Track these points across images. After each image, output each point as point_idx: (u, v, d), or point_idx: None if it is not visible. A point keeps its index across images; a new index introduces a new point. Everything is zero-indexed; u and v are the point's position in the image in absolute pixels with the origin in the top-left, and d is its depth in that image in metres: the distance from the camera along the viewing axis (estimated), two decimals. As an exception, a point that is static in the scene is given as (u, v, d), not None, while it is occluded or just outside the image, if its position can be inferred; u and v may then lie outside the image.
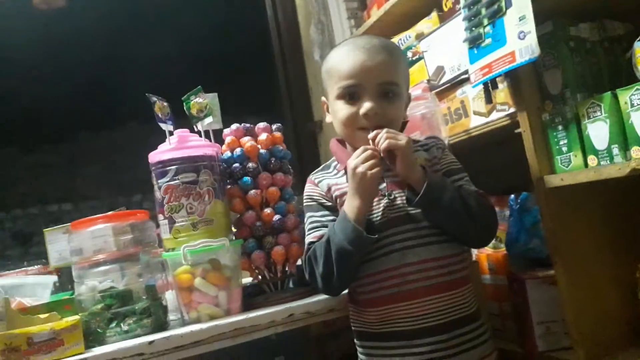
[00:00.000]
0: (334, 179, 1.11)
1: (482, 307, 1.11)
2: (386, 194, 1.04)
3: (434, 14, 1.50)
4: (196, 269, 1.11)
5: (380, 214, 1.03)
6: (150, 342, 0.99)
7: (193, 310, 1.11)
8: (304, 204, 1.14)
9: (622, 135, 1.00)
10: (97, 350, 0.99)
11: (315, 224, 1.09)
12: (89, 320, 1.07)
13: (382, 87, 1.04)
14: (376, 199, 1.03)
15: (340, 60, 1.06)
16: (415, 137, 1.19)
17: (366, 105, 1.02)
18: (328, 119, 1.14)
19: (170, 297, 1.24)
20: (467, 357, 1.00)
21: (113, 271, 1.19)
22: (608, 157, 1.02)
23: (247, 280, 1.33)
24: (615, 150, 1.01)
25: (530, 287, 1.21)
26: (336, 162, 1.14)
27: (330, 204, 1.09)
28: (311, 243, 1.07)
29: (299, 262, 1.27)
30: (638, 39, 1.00)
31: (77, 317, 1.03)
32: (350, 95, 1.04)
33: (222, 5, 2.26)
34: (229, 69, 2.15)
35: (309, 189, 1.14)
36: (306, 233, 1.11)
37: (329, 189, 1.09)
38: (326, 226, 1.06)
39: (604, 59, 1.15)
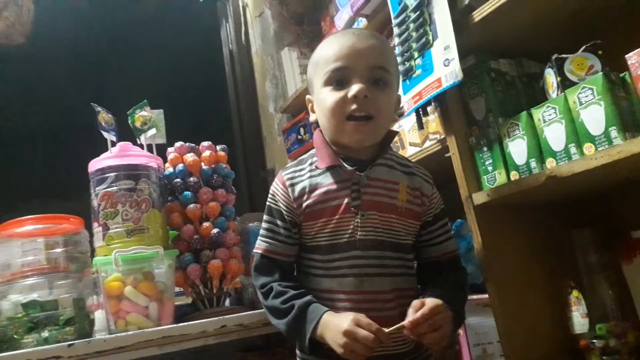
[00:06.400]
0: (311, 178, 0.99)
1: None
2: (358, 212, 0.95)
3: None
4: (127, 277, 1.09)
5: (348, 232, 0.94)
6: (70, 345, 0.94)
7: (121, 319, 1.07)
8: (268, 200, 1.03)
9: (537, 149, 1.08)
10: (9, 353, 0.93)
11: (270, 233, 0.99)
12: (6, 326, 1.01)
13: (373, 71, 0.96)
14: (346, 215, 0.94)
15: (328, 45, 0.99)
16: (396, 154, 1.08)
17: (355, 87, 0.93)
18: (312, 117, 1.05)
19: (99, 316, 1.19)
20: None
21: (40, 286, 1.15)
22: (527, 171, 1.09)
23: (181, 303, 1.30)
24: (533, 163, 1.08)
25: (465, 310, 1.21)
26: (315, 159, 1.02)
27: (292, 218, 0.98)
28: (262, 256, 0.98)
29: (237, 280, 1.26)
30: (547, 65, 1.12)
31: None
32: (338, 80, 0.96)
33: (182, 60, 2.37)
34: (186, 119, 2.21)
35: (277, 188, 1.01)
36: (260, 234, 1.01)
37: (302, 195, 0.97)
38: (282, 242, 0.98)
39: (523, 90, 1.26)
